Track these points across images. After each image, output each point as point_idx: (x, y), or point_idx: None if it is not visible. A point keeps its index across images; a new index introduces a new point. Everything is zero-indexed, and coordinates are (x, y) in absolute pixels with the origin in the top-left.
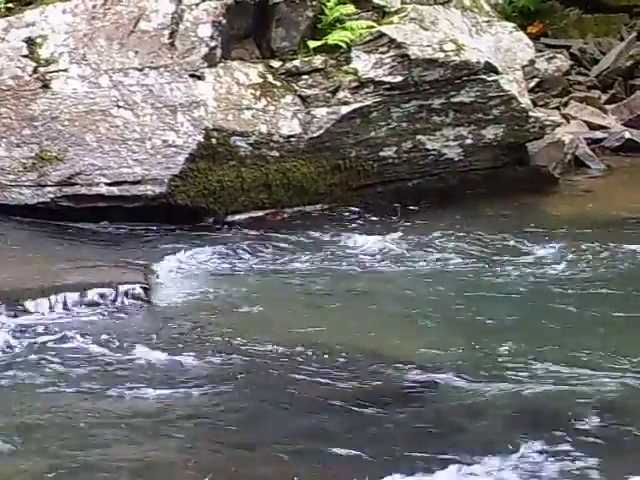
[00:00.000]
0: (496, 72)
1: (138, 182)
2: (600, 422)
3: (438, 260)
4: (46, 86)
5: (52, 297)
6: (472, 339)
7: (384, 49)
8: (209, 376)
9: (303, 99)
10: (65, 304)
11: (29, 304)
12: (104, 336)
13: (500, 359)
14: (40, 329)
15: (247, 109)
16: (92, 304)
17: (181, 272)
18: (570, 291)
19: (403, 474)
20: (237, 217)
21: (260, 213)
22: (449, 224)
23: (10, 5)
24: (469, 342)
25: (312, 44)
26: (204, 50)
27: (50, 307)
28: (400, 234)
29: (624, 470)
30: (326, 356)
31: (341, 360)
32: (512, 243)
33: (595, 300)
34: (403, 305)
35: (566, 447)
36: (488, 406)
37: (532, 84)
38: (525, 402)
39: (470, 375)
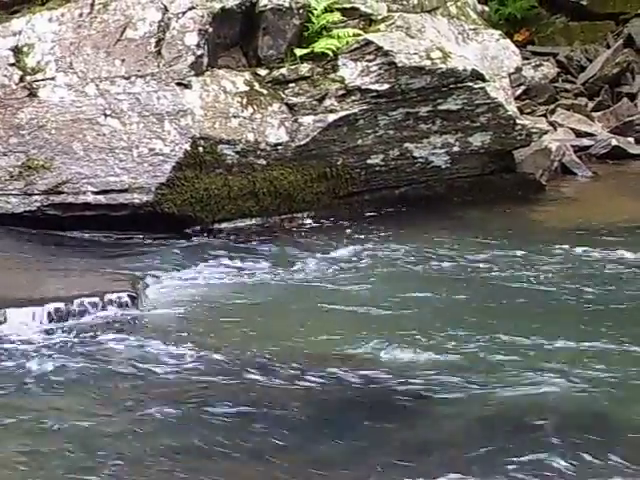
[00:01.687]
0: (483, 80)
1: (125, 190)
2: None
3: (422, 266)
4: (33, 94)
5: (38, 307)
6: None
7: (371, 57)
8: (190, 386)
9: (290, 107)
10: (50, 313)
11: (14, 313)
12: (87, 345)
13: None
14: (23, 338)
15: (234, 117)
16: (78, 313)
17: (168, 280)
18: (549, 296)
19: None
20: (224, 225)
21: (247, 221)
22: (435, 231)
23: None
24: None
25: (299, 52)
26: (191, 58)
27: (35, 317)
28: (385, 242)
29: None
30: (307, 363)
31: (315, 366)
32: (496, 250)
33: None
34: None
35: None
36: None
37: (519, 92)
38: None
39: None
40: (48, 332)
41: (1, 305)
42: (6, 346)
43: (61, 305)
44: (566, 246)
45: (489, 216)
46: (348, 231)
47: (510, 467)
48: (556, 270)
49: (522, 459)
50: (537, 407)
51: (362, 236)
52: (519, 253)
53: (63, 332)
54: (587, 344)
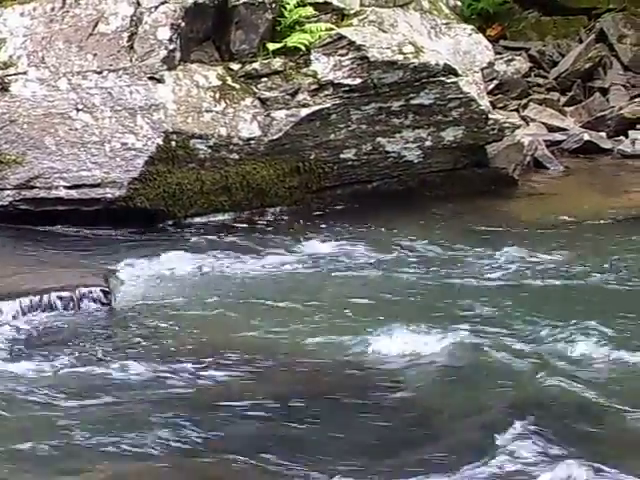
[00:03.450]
0: (455, 74)
1: (97, 185)
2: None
3: (391, 262)
4: (4, 89)
5: (9, 301)
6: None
7: (343, 51)
8: (157, 381)
9: (262, 101)
10: (23, 308)
11: None
12: (58, 339)
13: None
14: None
15: (206, 112)
16: (50, 307)
17: (141, 275)
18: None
19: None
20: (196, 220)
21: (220, 216)
22: (405, 226)
23: None
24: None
25: (271, 46)
26: (163, 53)
27: (7, 311)
28: (355, 237)
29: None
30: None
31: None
32: (466, 244)
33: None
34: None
35: None
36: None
37: (491, 86)
38: None
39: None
40: (17, 327)
41: None
42: None
43: (34, 299)
44: (529, 241)
45: (461, 210)
46: (321, 226)
47: None
48: (523, 263)
49: None
50: None
51: (332, 230)
52: (483, 249)
53: (33, 327)
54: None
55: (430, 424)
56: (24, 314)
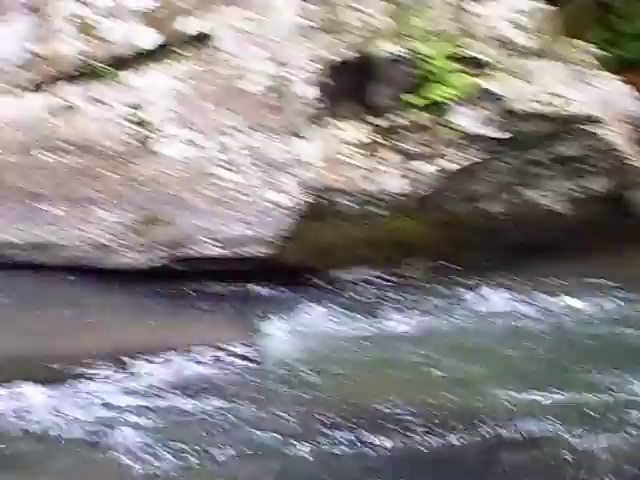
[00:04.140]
0: (601, 124)
1: (249, 243)
2: None
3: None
4: (153, 150)
5: (158, 357)
6: None
7: (488, 104)
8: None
9: (409, 157)
10: (171, 363)
11: (135, 363)
12: (206, 395)
13: None
14: (144, 387)
15: (353, 168)
16: (199, 363)
17: (290, 332)
18: None
19: None
20: (344, 275)
21: (369, 271)
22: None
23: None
24: None
25: (415, 101)
26: (310, 111)
27: (156, 366)
28: (513, 290)
29: None
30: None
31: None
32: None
33: None
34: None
35: None
36: None
37: (637, 134)
38: None
39: None
40: (166, 381)
41: (123, 355)
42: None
43: (181, 355)
44: None
45: (610, 263)
46: (468, 280)
47: None
48: None
49: None
50: None
51: (485, 284)
52: None
53: (181, 382)
54: None
55: None
56: (170, 368)
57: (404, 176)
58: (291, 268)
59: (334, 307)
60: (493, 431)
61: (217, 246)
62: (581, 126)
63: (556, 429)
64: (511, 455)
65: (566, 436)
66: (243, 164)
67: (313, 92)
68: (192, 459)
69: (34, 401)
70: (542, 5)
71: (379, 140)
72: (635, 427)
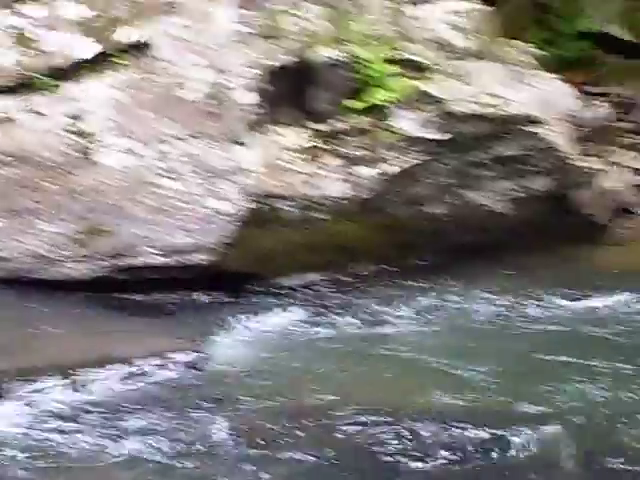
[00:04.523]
0: (541, 123)
1: (192, 252)
2: None
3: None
4: (92, 160)
5: (101, 369)
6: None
7: (428, 107)
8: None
9: (350, 161)
10: (115, 375)
11: (78, 375)
12: (151, 406)
13: None
14: (89, 400)
15: (294, 173)
16: (142, 374)
17: (234, 339)
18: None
19: None
20: (286, 280)
21: (310, 276)
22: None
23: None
24: None
25: (355, 105)
26: (249, 117)
27: (100, 379)
28: (450, 293)
29: None
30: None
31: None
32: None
33: None
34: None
35: None
36: None
37: (577, 133)
38: None
39: None
40: (111, 394)
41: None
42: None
43: (125, 367)
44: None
45: (551, 262)
46: (409, 283)
47: None
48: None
49: None
50: None
51: (426, 287)
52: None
53: (125, 394)
54: None
55: None
56: (114, 381)
57: (345, 180)
58: (233, 275)
59: (277, 313)
60: None
61: (159, 255)
62: (521, 126)
63: None
64: None
65: None
66: (183, 172)
67: (252, 98)
68: None
69: None
70: (479, 6)
71: (320, 145)
72: None
